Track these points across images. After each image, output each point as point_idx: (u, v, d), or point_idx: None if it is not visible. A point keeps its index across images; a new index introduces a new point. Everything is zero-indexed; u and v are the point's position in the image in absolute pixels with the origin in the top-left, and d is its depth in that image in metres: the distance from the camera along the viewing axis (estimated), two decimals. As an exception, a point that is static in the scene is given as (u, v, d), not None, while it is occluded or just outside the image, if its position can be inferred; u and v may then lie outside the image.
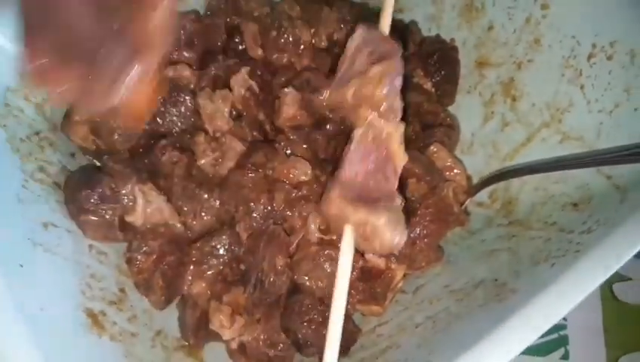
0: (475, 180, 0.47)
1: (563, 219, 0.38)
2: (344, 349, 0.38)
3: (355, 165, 0.34)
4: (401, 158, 0.34)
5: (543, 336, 0.47)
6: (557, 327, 0.48)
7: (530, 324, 0.29)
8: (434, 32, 0.51)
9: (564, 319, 0.49)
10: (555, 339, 0.48)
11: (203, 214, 0.42)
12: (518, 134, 0.45)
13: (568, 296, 0.29)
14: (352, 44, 0.37)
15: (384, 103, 0.34)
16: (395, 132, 0.34)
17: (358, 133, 0.34)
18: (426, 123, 0.46)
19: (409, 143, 0.45)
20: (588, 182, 0.39)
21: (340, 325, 0.31)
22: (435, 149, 0.44)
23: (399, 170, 0.34)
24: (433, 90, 0.48)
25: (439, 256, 0.42)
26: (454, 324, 0.33)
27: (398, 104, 0.35)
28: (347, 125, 0.45)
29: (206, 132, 0.41)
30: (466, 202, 0.45)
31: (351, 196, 0.33)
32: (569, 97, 0.42)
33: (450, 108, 0.50)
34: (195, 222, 0.41)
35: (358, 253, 0.41)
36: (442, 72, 0.48)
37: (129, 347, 0.36)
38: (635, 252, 0.29)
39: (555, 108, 0.43)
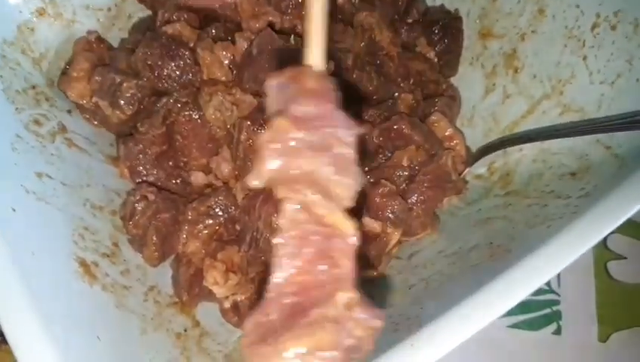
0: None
1: (560, 188, 0.38)
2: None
3: (285, 266, 0.22)
4: (347, 228, 0.23)
5: (535, 311, 0.48)
6: (550, 302, 0.48)
7: (522, 280, 0.28)
8: (439, 3, 0.51)
9: (558, 295, 0.49)
10: (548, 314, 0.48)
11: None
12: (518, 106, 0.45)
13: (563, 254, 0.29)
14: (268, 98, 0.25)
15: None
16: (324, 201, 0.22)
17: (280, 225, 0.23)
18: (428, 92, 0.46)
19: (411, 111, 0.45)
20: (587, 153, 0.39)
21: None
22: (435, 118, 0.44)
23: (349, 245, 0.23)
24: (436, 59, 0.47)
25: (435, 223, 0.41)
26: (447, 283, 0.33)
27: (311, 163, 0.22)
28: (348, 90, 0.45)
29: (206, 84, 0.40)
30: (465, 172, 0.45)
31: (262, 331, 0.21)
32: (571, 68, 0.42)
33: (452, 80, 0.50)
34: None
35: (354, 217, 0.40)
36: (445, 42, 0.47)
37: (121, 298, 0.36)
38: (632, 212, 0.29)
39: (556, 79, 0.43)
